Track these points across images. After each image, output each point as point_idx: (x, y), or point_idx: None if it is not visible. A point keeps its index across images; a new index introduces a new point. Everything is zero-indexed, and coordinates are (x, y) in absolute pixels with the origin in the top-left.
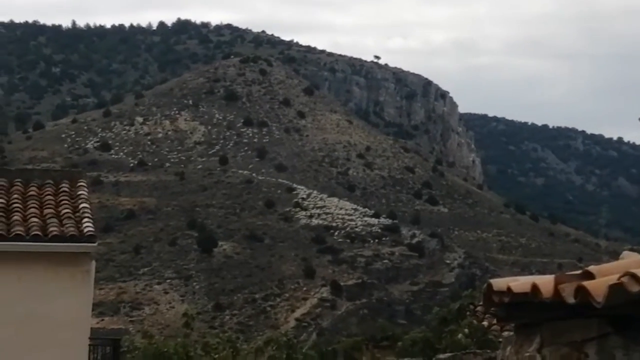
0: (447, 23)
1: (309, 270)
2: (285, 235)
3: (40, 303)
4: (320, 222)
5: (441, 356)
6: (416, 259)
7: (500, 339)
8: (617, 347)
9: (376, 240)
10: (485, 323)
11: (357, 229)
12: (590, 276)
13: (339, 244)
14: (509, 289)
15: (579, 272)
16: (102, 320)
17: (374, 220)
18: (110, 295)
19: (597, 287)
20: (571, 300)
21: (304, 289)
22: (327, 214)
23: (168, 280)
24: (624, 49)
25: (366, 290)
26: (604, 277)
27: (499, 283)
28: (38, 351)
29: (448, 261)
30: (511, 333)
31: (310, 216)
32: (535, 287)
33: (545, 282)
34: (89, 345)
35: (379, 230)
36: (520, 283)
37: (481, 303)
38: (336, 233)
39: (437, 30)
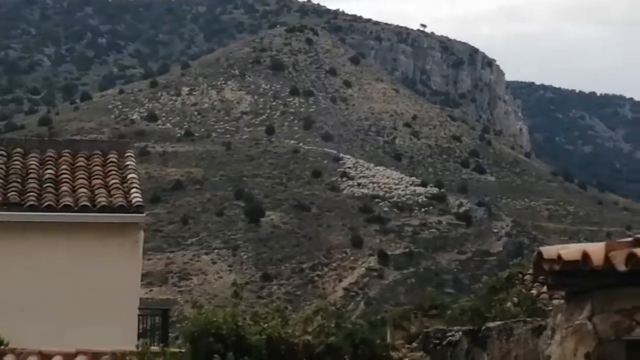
0: None
1: (356, 239)
2: (332, 205)
3: (90, 273)
4: (367, 191)
5: (490, 324)
6: (463, 227)
7: (550, 307)
8: None
9: (423, 209)
10: (534, 291)
11: (404, 198)
12: None
13: (386, 214)
14: (559, 256)
15: (629, 239)
16: (151, 290)
17: (421, 189)
18: (159, 265)
19: None
20: (622, 267)
21: (352, 258)
22: (374, 183)
23: (216, 251)
24: None
25: (413, 260)
26: None
27: (549, 251)
28: (88, 321)
29: (495, 230)
30: (561, 301)
31: (357, 185)
32: (586, 255)
33: (596, 249)
34: (139, 315)
35: (426, 199)
36: (570, 251)
37: (530, 271)
38: (383, 202)
39: None
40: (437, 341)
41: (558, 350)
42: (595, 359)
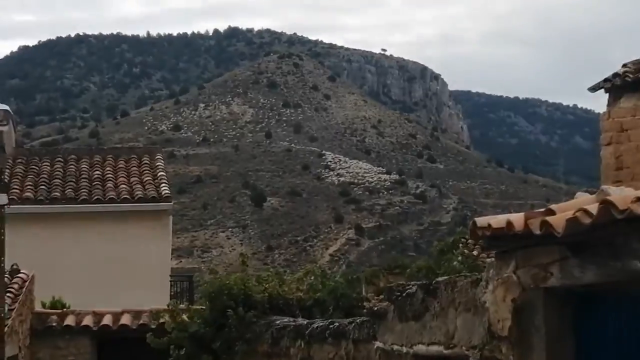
0: (434, 21)
1: (338, 217)
2: (318, 191)
3: (131, 250)
4: (345, 179)
5: (439, 279)
6: (420, 205)
7: (485, 265)
8: (575, 266)
9: (389, 192)
10: (475, 252)
11: (373, 184)
12: (552, 212)
13: (360, 196)
14: (489, 225)
15: (542, 209)
16: (180, 262)
17: (387, 176)
18: (185, 242)
19: (558, 220)
20: (537, 231)
21: (335, 231)
22: (349, 173)
23: (230, 229)
24: (576, 35)
25: (383, 231)
26: (562, 212)
27: (481, 220)
28: (132, 287)
29: (445, 206)
30: (492, 259)
31: (337, 175)
32: (509, 223)
33: (518, 218)
34: (170, 281)
35: (391, 184)
36: (498, 220)
37: (469, 237)
38: (357, 187)
39: (427, 27)
40: (399, 293)
41: (491, 297)
42: (519, 303)
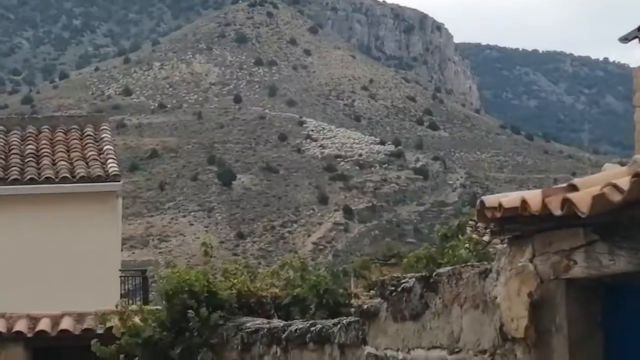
0: None
1: (322, 197)
2: (298, 166)
3: (72, 240)
4: (330, 151)
5: (441, 270)
6: (421, 181)
7: (496, 252)
8: (603, 252)
9: (383, 166)
10: (485, 238)
11: (364, 156)
12: (574, 188)
13: (348, 171)
14: (500, 204)
15: (564, 185)
16: (133, 253)
17: (380, 147)
18: (139, 229)
19: (582, 198)
20: (558, 212)
21: (319, 214)
22: (336, 143)
23: (192, 213)
24: None
25: (376, 213)
26: (588, 188)
27: (490, 199)
28: (73, 285)
29: (451, 182)
30: (505, 246)
31: (321, 147)
32: (524, 202)
33: (534, 196)
34: (120, 277)
35: (385, 156)
36: (510, 198)
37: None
38: (345, 161)
39: None
40: (393, 288)
41: (503, 290)
42: (537, 297)
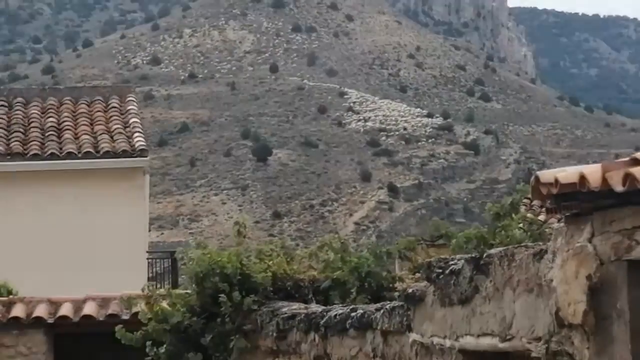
0: None
1: (365, 173)
2: (339, 140)
3: (96, 220)
4: (374, 125)
5: (492, 251)
6: (472, 156)
7: (552, 232)
8: None
9: (431, 140)
10: (541, 217)
11: (411, 130)
12: (638, 162)
13: (393, 146)
14: (556, 180)
15: (626, 159)
16: (162, 234)
17: (428, 120)
18: (169, 208)
19: None
20: (619, 188)
21: (361, 192)
22: (380, 116)
23: (225, 191)
24: None
25: (423, 191)
26: None
27: (546, 175)
28: (97, 267)
29: (504, 157)
30: (561, 224)
31: (364, 119)
32: (582, 177)
33: (593, 171)
34: (148, 259)
35: (433, 130)
36: (568, 173)
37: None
38: (390, 135)
39: None
40: (440, 270)
41: (559, 273)
42: (596, 281)
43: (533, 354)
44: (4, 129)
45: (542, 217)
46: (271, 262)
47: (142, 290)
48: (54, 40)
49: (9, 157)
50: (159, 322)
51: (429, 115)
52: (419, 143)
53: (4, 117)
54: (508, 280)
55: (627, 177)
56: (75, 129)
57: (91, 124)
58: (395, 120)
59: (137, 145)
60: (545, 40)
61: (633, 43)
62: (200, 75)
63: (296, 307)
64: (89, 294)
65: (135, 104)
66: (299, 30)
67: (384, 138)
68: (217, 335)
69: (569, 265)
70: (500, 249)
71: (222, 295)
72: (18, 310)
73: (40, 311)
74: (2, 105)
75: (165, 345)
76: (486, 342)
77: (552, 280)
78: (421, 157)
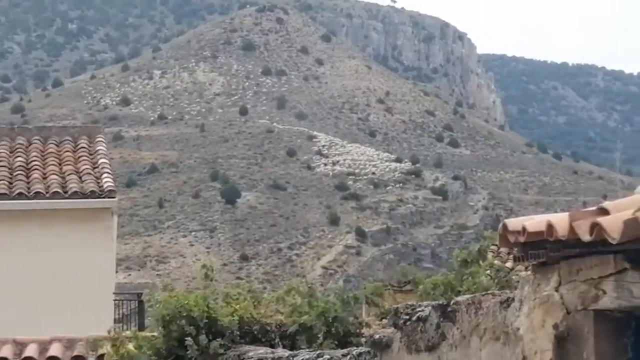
0: None
1: (333, 217)
2: (308, 184)
3: (63, 260)
4: (343, 168)
5: (459, 298)
6: (440, 202)
7: (519, 280)
8: (635, 282)
9: (399, 185)
10: (508, 264)
11: (379, 175)
12: (605, 212)
13: (362, 190)
14: (524, 228)
15: (593, 208)
16: (129, 275)
17: (396, 165)
18: (136, 249)
19: (613, 223)
20: (587, 237)
21: (329, 236)
22: (348, 160)
23: (193, 233)
24: None
25: (391, 236)
26: (619, 212)
27: (514, 222)
28: (63, 308)
29: (472, 203)
30: (529, 273)
31: (333, 163)
32: (550, 226)
33: (560, 219)
34: (114, 300)
35: (402, 175)
36: (535, 222)
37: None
38: (359, 179)
39: None
40: (408, 317)
41: (526, 321)
42: (563, 329)
43: None
44: None
45: (509, 265)
46: (238, 305)
47: (109, 332)
48: (24, 79)
49: None
50: None
51: (398, 160)
52: (388, 188)
53: None
54: (475, 327)
55: (595, 227)
56: (44, 168)
57: (60, 164)
58: (364, 164)
59: (105, 185)
60: (514, 87)
61: (601, 91)
62: (170, 117)
63: (263, 351)
64: (55, 335)
65: (104, 144)
66: (269, 73)
67: (352, 182)
68: None
69: (535, 313)
70: (468, 296)
71: (189, 338)
72: None
73: (5, 352)
74: None
75: None
76: None
77: (518, 329)
78: (389, 202)
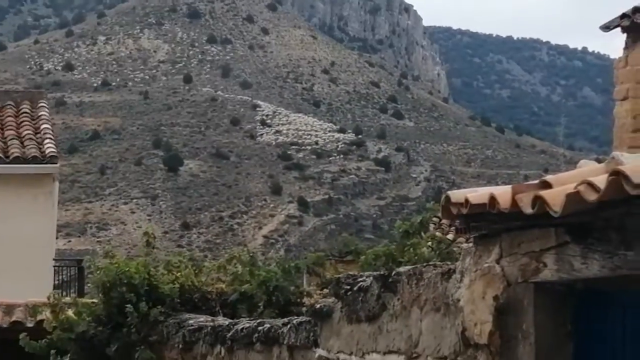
0: None
1: (276, 187)
2: (251, 153)
3: (3, 225)
4: (286, 138)
5: (400, 269)
6: (382, 173)
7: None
8: (575, 255)
9: (342, 156)
10: (450, 236)
11: (322, 145)
12: (547, 185)
13: (305, 160)
14: (467, 200)
15: (536, 181)
16: (70, 241)
17: (340, 136)
18: (77, 216)
19: (555, 196)
20: (529, 210)
21: (271, 205)
22: (292, 130)
23: (134, 200)
24: None
25: (333, 206)
26: (561, 186)
27: (457, 194)
28: (2, 273)
29: (414, 175)
30: (470, 245)
31: (276, 133)
32: (492, 198)
33: (503, 192)
34: (54, 266)
35: (345, 146)
36: (478, 194)
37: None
38: (302, 149)
39: None
40: (349, 287)
41: (467, 293)
42: (503, 302)
43: None
44: None
45: (450, 236)
46: (179, 273)
47: (48, 298)
48: None
49: None
50: (64, 330)
51: (341, 131)
52: (331, 158)
53: None
54: (416, 298)
55: (537, 200)
56: None
57: (1, 129)
58: (307, 134)
59: (47, 151)
60: (459, 60)
61: (545, 66)
62: (114, 83)
63: (203, 319)
64: None
65: (46, 110)
66: (214, 41)
67: (295, 152)
68: (123, 345)
69: (476, 285)
70: (409, 267)
71: (129, 305)
72: None
73: None
74: None
75: (69, 355)
76: None
77: (459, 300)
78: (332, 172)
